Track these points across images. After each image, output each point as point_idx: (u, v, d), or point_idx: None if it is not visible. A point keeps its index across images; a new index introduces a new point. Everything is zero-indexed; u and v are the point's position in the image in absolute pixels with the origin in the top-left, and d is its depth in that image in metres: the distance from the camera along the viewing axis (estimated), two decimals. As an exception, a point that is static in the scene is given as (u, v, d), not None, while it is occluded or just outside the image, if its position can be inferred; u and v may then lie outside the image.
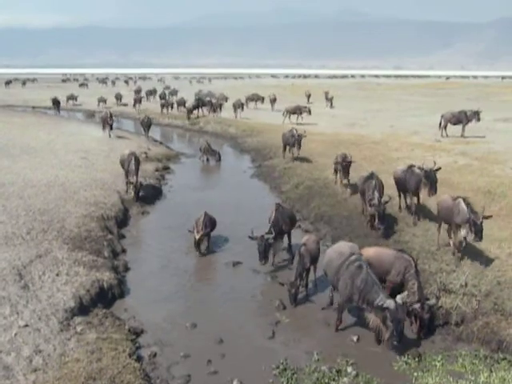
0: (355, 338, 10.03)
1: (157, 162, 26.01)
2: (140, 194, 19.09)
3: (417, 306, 9.90)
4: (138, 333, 10.19)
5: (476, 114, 29.48)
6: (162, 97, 51.19)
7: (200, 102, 45.02)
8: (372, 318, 9.60)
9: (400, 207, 16.17)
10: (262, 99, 50.92)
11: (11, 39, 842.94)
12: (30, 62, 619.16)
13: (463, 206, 11.84)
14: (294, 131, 24.02)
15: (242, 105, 43.81)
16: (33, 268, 11.76)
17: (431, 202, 15.21)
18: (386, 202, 14.29)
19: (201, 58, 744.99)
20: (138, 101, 50.90)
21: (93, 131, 34.76)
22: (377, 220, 14.01)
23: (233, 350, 9.66)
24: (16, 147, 26.65)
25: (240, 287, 12.42)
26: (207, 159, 27.83)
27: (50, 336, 9.34)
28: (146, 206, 18.92)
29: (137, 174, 19.36)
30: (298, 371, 8.92)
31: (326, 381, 8.62)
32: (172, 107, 47.43)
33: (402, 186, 15.68)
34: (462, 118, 29.55)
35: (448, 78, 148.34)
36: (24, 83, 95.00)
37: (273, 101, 48.71)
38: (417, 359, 9.14)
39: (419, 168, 14.76)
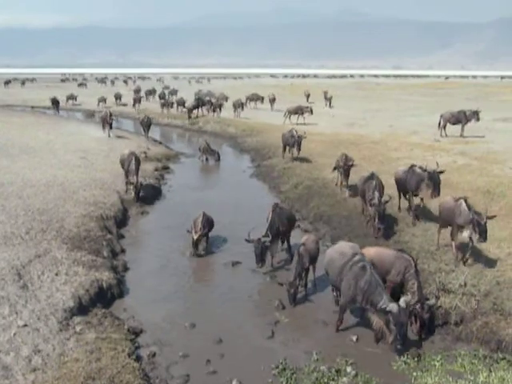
0: (354, 338, 10.03)
1: (156, 161, 26.00)
2: (140, 194, 19.07)
3: (417, 305, 9.89)
4: (137, 333, 10.18)
5: (475, 114, 29.51)
6: (162, 97, 51.21)
7: (200, 102, 45.02)
8: (375, 320, 9.56)
9: (399, 207, 16.15)
10: (262, 99, 50.91)
11: (11, 39, 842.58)
12: (29, 61, 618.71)
13: (465, 207, 11.79)
14: (294, 132, 23.98)
15: (242, 104, 43.81)
16: (32, 268, 11.75)
17: (431, 203, 15.21)
18: (387, 202, 14.28)
19: (200, 58, 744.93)
20: (137, 100, 50.89)
21: (92, 131, 34.74)
22: (377, 220, 13.99)
23: (232, 350, 9.65)
24: (15, 147, 26.63)
25: (239, 287, 12.41)
26: (206, 159, 27.83)
27: (49, 336, 9.33)
28: (145, 205, 18.91)
29: (137, 174, 19.34)
30: (297, 371, 8.92)
31: (326, 380, 8.61)
32: (171, 106, 47.43)
33: (402, 186, 15.64)
34: (461, 118, 29.58)
35: (447, 77, 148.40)
36: (23, 83, 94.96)
37: (272, 100, 48.73)
38: (416, 359, 9.14)
39: (421, 168, 14.72)
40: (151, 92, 62.76)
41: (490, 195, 16.51)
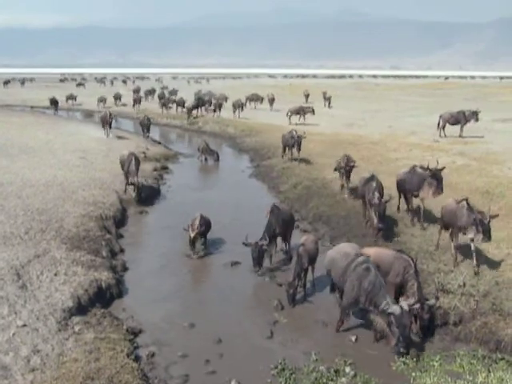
0: (353, 338, 10.02)
1: (155, 161, 26.00)
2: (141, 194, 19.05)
3: (417, 306, 9.87)
4: (136, 333, 10.18)
5: (474, 115, 29.52)
6: (161, 97, 51.16)
7: (200, 102, 45.03)
8: (378, 322, 9.52)
9: (398, 208, 16.11)
10: (262, 99, 50.93)
11: (11, 39, 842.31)
12: (29, 61, 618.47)
13: (467, 209, 11.72)
14: (294, 132, 23.96)
15: (242, 105, 43.82)
16: (31, 268, 11.75)
17: (430, 203, 15.20)
18: (387, 202, 14.25)
19: (200, 58, 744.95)
20: (137, 101, 50.84)
21: (91, 131, 34.74)
22: (377, 220, 13.96)
23: (231, 350, 9.65)
24: (14, 147, 26.62)
25: (238, 287, 12.41)
26: (205, 159, 27.83)
27: (48, 336, 9.33)
28: (144, 205, 18.90)
29: (137, 175, 19.30)
30: (296, 371, 8.92)
31: (324, 381, 8.61)
32: (171, 107, 47.36)
33: (403, 187, 15.59)
34: (460, 118, 29.60)
35: (447, 78, 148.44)
36: (23, 83, 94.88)
37: (271, 101, 48.77)
38: (415, 359, 9.14)
39: (422, 168, 14.70)
40: (151, 92, 62.73)
41: (489, 196, 16.53)
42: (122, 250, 14.53)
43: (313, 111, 36.86)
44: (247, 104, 49.61)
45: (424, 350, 9.54)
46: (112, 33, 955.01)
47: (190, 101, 46.18)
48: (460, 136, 29.26)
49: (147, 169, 23.54)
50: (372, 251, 11.05)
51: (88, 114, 51.63)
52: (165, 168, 25.62)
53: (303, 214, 17.84)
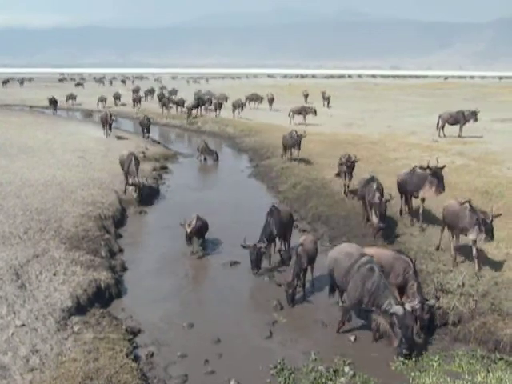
0: (352, 338, 10.02)
1: (154, 161, 25.99)
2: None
3: (417, 306, 9.85)
4: (135, 332, 10.17)
5: (474, 115, 29.54)
6: (161, 97, 51.11)
7: (200, 102, 45.04)
8: (381, 322, 9.44)
9: (401, 212, 15.85)
10: (261, 99, 50.96)
11: (11, 39, 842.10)
12: (28, 61, 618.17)
13: (470, 211, 11.67)
14: (294, 133, 23.95)
15: (243, 105, 43.83)
16: (30, 267, 11.74)
17: (429, 203, 15.20)
18: (387, 201, 14.21)
19: (200, 58, 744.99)
20: (137, 100, 50.77)
21: (91, 131, 34.72)
22: (378, 219, 13.91)
23: (230, 350, 9.65)
24: (13, 146, 26.60)
25: (237, 287, 12.41)
26: (205, 159, 27.83)
27: (47, 336, 9.32)
28: (143, 205, 18.88)
29: (138, 175, 19.28)
30: (295, 371, 8.92)
31: (324, 381, 8.61)
32: (171, 106, 47.33)
33: (404, 188, 15.53)
34: (459, 119, 29.61)
35: (447, 78, 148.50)
36: (22, 82, 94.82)
37: (271, 101, 48.79)
38: (414, 359, 9.14)
39: (422, 168, 14.63)
40: (150, 92, 62.70)
41: (489, 196, 16.52)
42: (121, 250, 14.53)
43: (315, 112, 36.90)
44: (247, 104, 49.59)
45: (423, 350, 9.53)
46: (112, 33, 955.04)
47: (189, 101, 46.17)
48: (459, 136, 29.28)
49: (146, 169, 23.52)
50: (372, 251, 11.04)
51: (87, 114, 51.59)
52: (164, 168, 25.61)
53: (302, 213, 17.84)
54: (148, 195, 19.82)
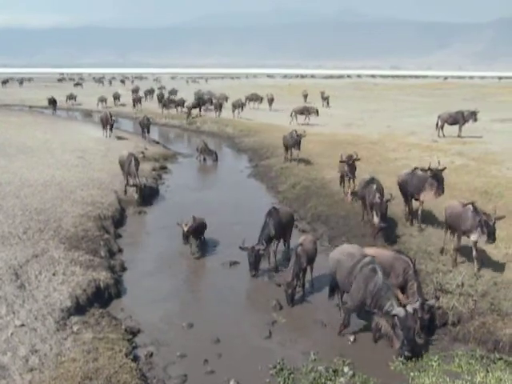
0: (352, 338, 10.02)
1: (154, 161, 25.98)
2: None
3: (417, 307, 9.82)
4: (134, 332, 10.17)
5: (473, 115, 29.56)
6: (160, 97, 51.08)
7: (201, 101, 45.03)
8: (383, 324, 9.38)
9: (407, 215, 15.58)
10: (261, 99, 50.98)
11: (10, 39, 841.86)
12: (28, 61, 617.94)
13: (473, 212, 11.59)
14: (294, 133, 23.95)
15: (243, 105, 43.82)
16: (29, 267, 11.74)
17: (429, 203, 15.19)
18: (388, 201, 14.17)
19: (200, 58, 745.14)
20: (137, 100, 50.71)
21: (90, 131, 34.70)
22: (379, 219, 13.84)
23: (229, 350, 9.65)
24: (12, 146, 26.60)
25: (237, 287, 12.41)
26: (204, 159, 27.82)
27: (47, 336, 9.32)
28: (143, 205, 18.87)
29: (138, 176, 19.25)
30: (294, 371, 8.92)
31: (323, 381, 8.61)
32: (171, 107, 47.32)
33: (404, 189, 15.43)
34: (458, 119, 29.63)
35: (446, 78, 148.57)
36: (21, 82, 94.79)
37: (270, 101, 48.80)
38: (413, 359, 9.13)
39: (422, 169, 14.53)
40: (150, 92, 62.68)
41: (488, 196, 16.52)
42: (120, 250, 14.52)
43: (317, 111, 36.94)
44: (247, 104, 49.54)
45: (424, 351, 9.53)
46: (111, 33, 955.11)
47: (189, 101, 46.16)
48: (458, 136, 29.29)
49: (146, 169, 23.51)
50: (371, 252, 11.03)
51: (87, 114, 51.57)
52: (163, 168, 25.61)
53: (302, 213, 17.83)
54: (148, 195, 19.82)
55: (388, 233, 14.47)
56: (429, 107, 46.56)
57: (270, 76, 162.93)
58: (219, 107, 42.87)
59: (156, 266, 13.58)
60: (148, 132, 33.06)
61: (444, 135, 29.54)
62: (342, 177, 18.36)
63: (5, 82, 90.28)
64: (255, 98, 51.64)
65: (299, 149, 23.70)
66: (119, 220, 17.03)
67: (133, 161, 19.15)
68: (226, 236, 15.41)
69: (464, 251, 12.29)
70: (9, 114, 45.55)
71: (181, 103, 46.80)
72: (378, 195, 14.05)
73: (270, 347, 9.81)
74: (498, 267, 11.66)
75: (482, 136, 29.58)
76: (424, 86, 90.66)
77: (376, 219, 13.90)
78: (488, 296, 10.58)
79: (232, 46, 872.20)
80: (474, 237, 11.53)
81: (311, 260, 11.93)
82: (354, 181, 17.90)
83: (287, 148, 24.75)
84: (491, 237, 11.23)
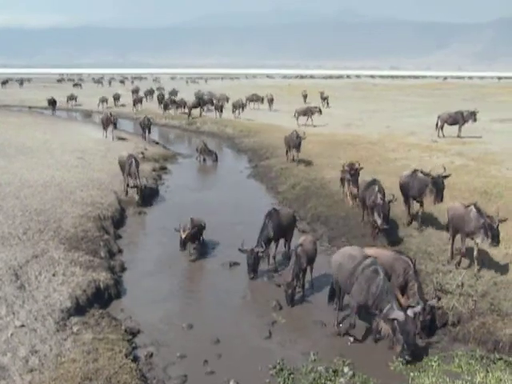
0: (352, 339, 10.02)
1: (154, 162, 25.98)
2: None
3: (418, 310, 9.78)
4: (134, 333, 10.17)
5: (473, 115, 29.57)
6: (161, 98, 50.99)
7: (201, 101, 45.01)
8: (384, 327, 9.31)
9: (408, 216, 15.51)
10: (262, 99, 50.98)
11: (9, 39, 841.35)
12: (27, 61, 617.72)
13: (476, 214, 11.54)
14: (295, 133, 23.93)
15: (243, 105, 43.79)
16: (29, 268, 11.74)
17: (429, 203, 15.17)
18: (390, 202, 14.12)
19: (200, 58, 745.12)
20: (138, 101, 50.67)
21: (90, 131, 34.70)
22: (381, 220, 13.80)
23: (229, 351, 9.65)
24: (12, 147, 26.60)
25: (236, 288, 12.41)
26: (204, 159, 27.82)
27: (47, 336, 9.32)
28: (142, 206, 18.87)
29: (139, 177, 19.24)
30: (294, 371, 8.92)
31: (323, 381, 8.61)
32: (172, 107, 47.31)
33: (405, 190, 15.26)
34: (458, 119, 29.63)
35: (445, 78, 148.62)
36: (21, 83, 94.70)
37: (270, 101, 48.80)
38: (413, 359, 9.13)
39: (423, 173, 14.40)
40: (150, 92, 62.66)
41: (487, 196, 16.51)
42: (120, 251, 14.52)
43: (320, 111, 36.96)
44: (248, 104, 49.44)
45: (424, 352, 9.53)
46: (111, 33, 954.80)
47: (190, 101, 46.13)
48: (458, 136, 29.29)
49: (146, 169, 23.50)
50: (371, 252, 11.00)
51: (86, 115, 51.54)
52: (163, 168, 25.61)
53: (302, 214, 17.82)
54: (148, 196, 19.81)
55: (388, 233, 14.47)
56: (428, 107, 46.57)
57: (269, 76, 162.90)
58: (220, 108, 42.80)
59: (156, 266, 13.58)
60: (149, 132, 33.02)
61: (444, 135, 29.54)
62: (342, 179, 18.25)
63: (4, 82, 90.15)
64: (256, 99, 51.65)
65: (299, 150, 23.67)
66: (119, 220, 17.03)
67: (133, 162, 19.13)
68: (225, 236, 15.40)
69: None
70: (8, 115, 45.57)
71: (182, 104, 46.77)
72: (380, 196, 14.01)
73: (269, 347, 9.81)
74: (498, 267, 11.66)
75: (481, 136, 29.59)
76: (423, 87, 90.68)
77: (379, 220, 13.84)
78: (488, 296, 10.59)
79: (232, 46, 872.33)
80: (478, 239, 11.46)
81: (311, 260, 11.93)
82: (357, 187, 17.00)
83: (289, 148, 24.72)
84: (495, 239, 11.15)
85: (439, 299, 10.28)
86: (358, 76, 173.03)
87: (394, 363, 9.11)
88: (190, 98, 49.24)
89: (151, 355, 9.47)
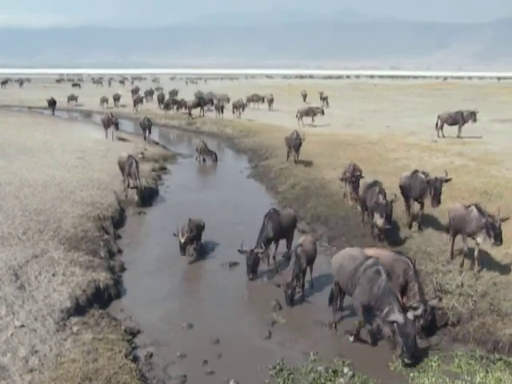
0: (351, 339, 10.02)
1: (153, 162, 25.98)
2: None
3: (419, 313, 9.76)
4: (134, 333, 10.17)
5: (472, 115, 29.55)
6: (161, 98, 50.94)
7: (202, 101, 45.01)
8: (385, 328, 9.28)
9: (408, 216, 15.50)
10: (263, 99, 50.99)
11: (8, 39, 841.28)
12: (27, 62, 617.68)
13: (477, 214, 11.52)
14: (295, 134, 23.92)
15: (244, 105, 43.79)
16: (29, 268, 11.74)
17: (428, 203, 15.16)
18: (392, 201, 14.07)
19: (200, 59, 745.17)
20: (138, 101, 50.67)
21: (90, 131, 34.70)
22: (384, 220, 13.75)
23: (229, 351, 9.65)
24: (12, 147, 26.60)
25: (236, 287, 12.41)
26: (204, 159, 27.82)
27: (46, 336, 9.32)
28: (142, 206, 18.88)
29: (139, 177, 19.24)
30: (294, 371, 8.92)
31: (323, 381, 8.61)
32: (172, 107, 47.31)
33: (406, 191, 15.18)
34: (458, 119, 29.61)
35: (445, 78, 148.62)
36: (21, 83, 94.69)
37: (270, 101, 48.80)
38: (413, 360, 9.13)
39: (423, 173, 14.34)
40: (150, 93, 62.66)
41: (487, 196, 16.50)
42: (120, 251, 14.52)
43: (322, 112, 36.96)
44: (248, 105, 49.40)
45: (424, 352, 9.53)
46: (111, 33, 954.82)
47: (190, 101, 46.11)
48: (458, 136, 29.28)
49: (145, 169, 23.50)
50: (371, 252, 10.99)
51: (86, 115, 51.53)
52: (163, 169, 25.61)
53: (301, 214, 17.80)
54: (147, 196, 19.82)
55: (387, 233, 14.46)
56: (428, 107, 46.56)
57: (269, 76, 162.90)
58: (220, 108, 42.78)
59: (156, 266, 13.58)
60: (149, 133, 33.04)
61: (444, 135, 29.54)
62: (342, 180, 18.15)
63: (4, 82, 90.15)
64: (256, 99, 51.66)
65: (299, 151, 23.65)
66: (119, 220, 17.03)
67: (133, 163, 19.14)
68: (225, 236, 15.40)
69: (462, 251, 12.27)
70: (8, 115, 45.58)
71: (183, 104, 46.78)
72: (381, 196, 13.98)
73: (269, 347, 9.82)
74: (498, 267, 11.66)
75: (481, 136, 29.58)
76: (423, 87, 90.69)
77: (380, 221, 13.79)
78: (488, 296, 10.59)
79: (232, 46, 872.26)
80: (479, 239, 11.43)
81: (311, 260, 11.93)
82: (357, 192, 16.92)
83: (290, 149, 24.70)
84: (498, 239, 11.12)
85: (440, 299, 10.27)
86: (357, 76, 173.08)
87: (394, 363, 9.11)
88: (190, 98, 49.26)
89: (151, 355, 9.47)
